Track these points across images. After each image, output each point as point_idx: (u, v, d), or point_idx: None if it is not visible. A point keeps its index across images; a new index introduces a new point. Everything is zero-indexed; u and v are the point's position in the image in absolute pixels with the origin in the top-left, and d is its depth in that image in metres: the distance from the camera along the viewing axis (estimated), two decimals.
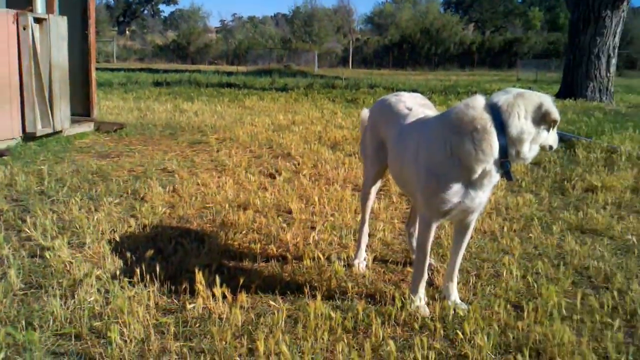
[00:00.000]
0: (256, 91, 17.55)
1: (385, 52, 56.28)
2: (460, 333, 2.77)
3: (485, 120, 2.77)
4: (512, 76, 38.77)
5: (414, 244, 3.62)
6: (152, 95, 15.45)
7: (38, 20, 7.72)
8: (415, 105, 3.44)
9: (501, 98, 2.83)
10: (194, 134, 9.00)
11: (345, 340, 2.70)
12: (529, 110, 2.77)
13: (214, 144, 8.09)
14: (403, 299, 3.09)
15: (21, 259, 3.69)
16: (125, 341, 2.63)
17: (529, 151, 2.81)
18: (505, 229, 4.48)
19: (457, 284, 3.26)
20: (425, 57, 55.81)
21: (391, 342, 2.60)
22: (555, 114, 2.77)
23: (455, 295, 3.19)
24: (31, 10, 7.85)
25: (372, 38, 63.97)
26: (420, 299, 3.12)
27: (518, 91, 2.86)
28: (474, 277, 3.54)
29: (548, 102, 2.80)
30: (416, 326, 2.89)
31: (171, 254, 3.82)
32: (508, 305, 3.13)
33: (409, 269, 3.66)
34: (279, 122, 10.29)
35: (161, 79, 21.65)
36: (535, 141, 2.81)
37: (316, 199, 5.12)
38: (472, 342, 2.71)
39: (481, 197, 2.93)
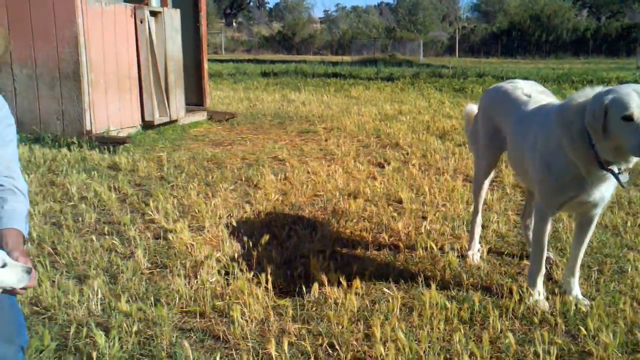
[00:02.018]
0: (362, 81, 17.56)
1: (493, 40, 54.61)
2: (583, 329, 2.67)
3: (580, 114, 2.64)
4: (630, 64, 36.53)
5: (530, 236, 3.51)
6: (260, 86, 15.82)
7: (153, 14, 8.11)
8: (534, 92, 3.36)
9: (600, 91, 2.66)
10: (302, 124, 9.14)
11: (462, 331, 2.67)
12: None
13: (322, 133, 8.18)
14: (521, 292, 3.01)
15: (146, 240, 3.91)
16: (247, 321, 2.73)
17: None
18: (629, 223, 4.25)
19: (579, 279, 3.14)
20: (536, 44, 53.69)
21: (510, 335, 2.55)
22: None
23: (576, 290, 3.08)
24: (147, 4, 8.24)
25: (479, 26, 62.24)
26: (539, 293, 3.04)
27: (619, 86, 2.62)
28: (596, 273, 3.39)
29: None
30: (535, 320, 2.82)
31: (285, 240, 3.92)
32: (634, 303, 2.99)
33: (525, 262, 3.56)
34: (386, 112, 10.25)
35: (268, 69, 22.10)
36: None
37: (426, 189, 5.07)
38: (597, 339, 2.61)
39: (602, 192, 2.80)
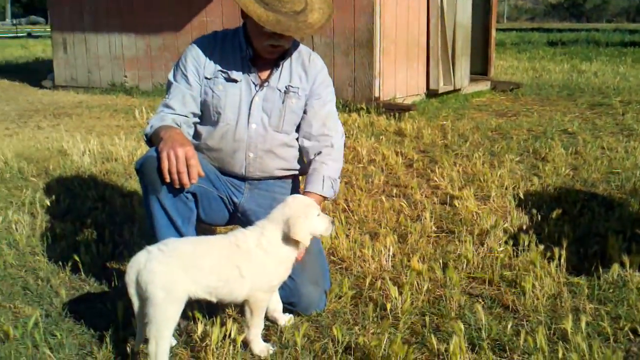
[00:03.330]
0: None
1: None
2: None
3: None
4: None
5: None
6: (546, 55, 15.05)
7: None
8: None
9: None
10: (594, 96, 8.49)
11: None
12: None
13: (618, 106, 7.52)
14: None
15: (432, 205, 4.00)
16: (538, 294, 2.66)
17: None
18: None
19: None
20: None
21: None
22: None
23: None
24: None
25: None
26: None
27: None
28: None
29: None
30: None
31: (577, 216, 3.71)
32: None
33: None
34: None
35: (555, 38, 20.89)
36: None
37: None
38: None
39: None
